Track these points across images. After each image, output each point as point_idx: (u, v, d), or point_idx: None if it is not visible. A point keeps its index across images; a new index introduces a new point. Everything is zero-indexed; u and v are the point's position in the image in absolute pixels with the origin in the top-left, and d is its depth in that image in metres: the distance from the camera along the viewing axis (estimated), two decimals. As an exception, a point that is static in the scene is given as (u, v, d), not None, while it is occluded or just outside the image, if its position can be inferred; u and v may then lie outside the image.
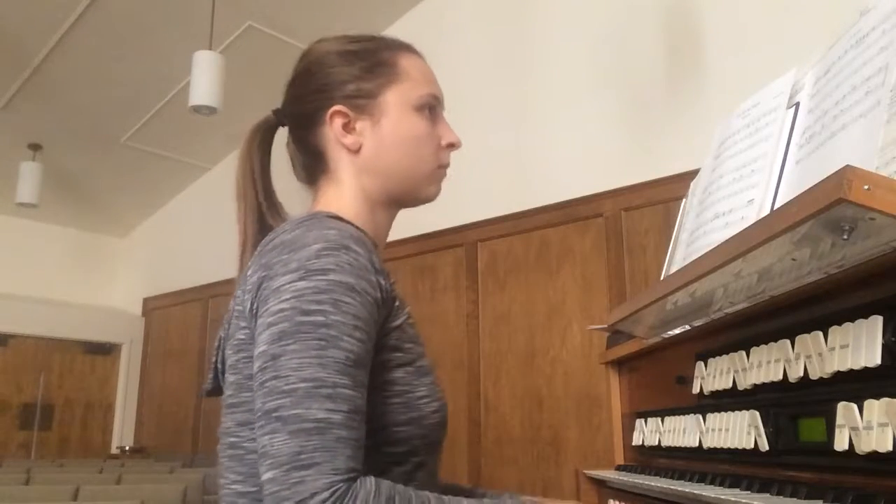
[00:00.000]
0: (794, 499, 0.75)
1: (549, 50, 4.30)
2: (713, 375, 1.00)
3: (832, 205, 0.61)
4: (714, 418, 0.99)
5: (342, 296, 0.74)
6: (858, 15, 0.89)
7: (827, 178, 0.63)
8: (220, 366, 0.90)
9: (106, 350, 7.02)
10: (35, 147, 5.97)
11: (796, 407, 0.81)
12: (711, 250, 0.89)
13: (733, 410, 0.93)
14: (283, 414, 0.69)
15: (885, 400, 0.65)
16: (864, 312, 0.70)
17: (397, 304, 0.83)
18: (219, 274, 5.83)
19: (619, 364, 1.49)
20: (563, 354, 3.91)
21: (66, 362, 6.78)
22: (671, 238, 1.34)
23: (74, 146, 6.06)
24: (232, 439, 0.81)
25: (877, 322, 0.67)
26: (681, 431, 1.10)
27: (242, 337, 0.81)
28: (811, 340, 0.77)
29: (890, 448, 0.63)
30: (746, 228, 0.80)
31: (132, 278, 7.41)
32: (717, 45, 3.56)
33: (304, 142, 0.97)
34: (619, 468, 1.38)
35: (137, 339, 7.10)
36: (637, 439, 1.31)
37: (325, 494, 0.66)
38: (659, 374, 1.29)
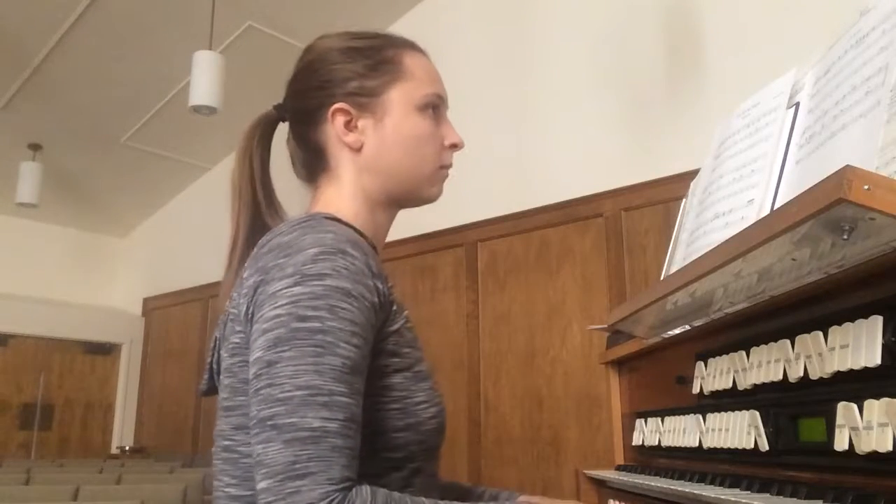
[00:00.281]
0: (794, 499, 0.75)
1: (550, 50, 4.30)
2: (713, 375, 1.00)
3: (832, 205, 0.61)
4: (714, 418, 0.99)
5: (339, 301, 0.73)
6: (858, 15, 0.89)
7: (827, 178, 0.63)
8: (215, 366, 0.89)
9: (106, 350, 7.02)
10: (35, 147, 5.97)
11: (796, 407, 0.81)
12: (711, 250, 0.89)
13: (733, 410, 0.93)
14: (279, 422, 0.68)
15: (885, 400, 0.65)
16: (864, 312, 0.70)
17: (395, 308, 0.82)
18: (219, 274, 5.68)
19: (619, 364, 1.49)
20: (563, 354, 3.91)
21: (66, 362, 6.78)
22: (671, 238, 1.34)
23: (74, 146, 6.06)
24: (226, 442, 0.81)
25: (877, 322, 0.67)
26: (681, 431, 1.10)
27: (237, 341, 0.80)
28: (811, 340, 0.77)
29: (890, 448, 0.63)
30: (746, 228, 0.80)
31: (132, 278, 7.41)
32: (717, 45, 3.56)
33: (304, 139, 0.95)
34: (619, 468, 1.38)
35: (137, 339, 7.10)
36: (637, 439, 1.31)
37: None
38: (659, 374, 1.29)
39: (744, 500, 0.74)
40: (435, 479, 0.87)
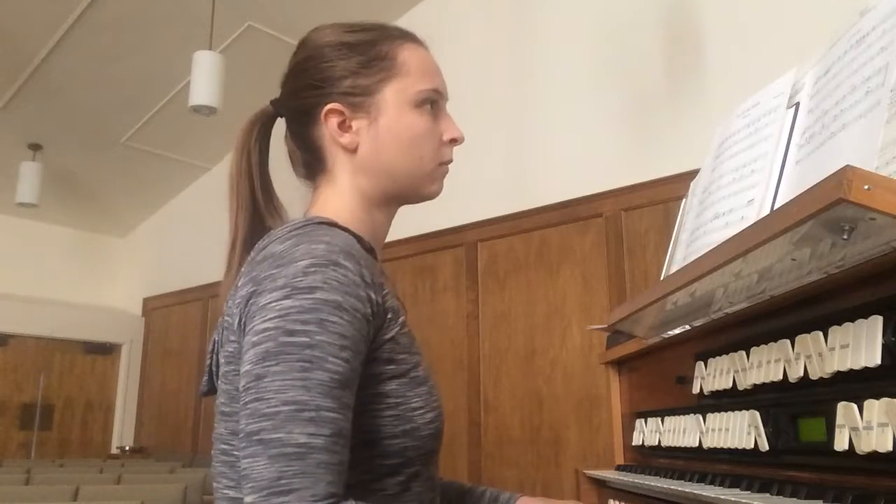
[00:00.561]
0: (794, 499, 0.75)
1: (550, 50, 4.30)
2: (713, 375, 1.00)
3: (832, 205, 0.61)
4: (714, 418, 0.99)
5: (329, 315, 0.72)
6: (858, 15, 0.89)
7: (827, 178, 0.63)
8: (214, 368, 0.89)
9: (106, 350, 7.02)
10: (35, 147, 5.97)
11: (796, 407, 0.81)
12: (711, 250, 0.89)
13: (733, 410, 0.93)
14: (265, 437, 0.68)
15: (885, 400, 0.65)
16: (864, 312, 0.70)
17: (390, 315, 0.80)
18: (219, 274, 5.76)
19: (619, 364, 1.49)
20: (563, 354, 3.91)
21: (66, 362, 6.78)
22: (671, 238, 1.34)
23: (74, 146, 6.07)
24: (224, 446, 0.81)
25: (877, 322, 0.67)
26: (681, 431, 1.10)
27: (231, 350, 0.80)
28: (811, 340, 0.77)
29: (890, 448, 0.63)
30: (746, 228, 0.80)
31: (132, 278, 7.41)
32: (717, 44, 3.57)
33: (301, 137, 0.94)
34: (619, 468, 1.38)
35: (137, 339, 7.11)
36: (637, 439, 1.31)
37: None
38: (659, 374, 1.29)
39: (744, 500, 0.74)
40: (434, 481, 0.86)
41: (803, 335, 0.79)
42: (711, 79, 3.54)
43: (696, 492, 0.86)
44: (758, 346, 0.89)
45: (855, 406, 0.68)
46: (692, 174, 1.35)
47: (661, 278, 1.25)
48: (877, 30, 0.83)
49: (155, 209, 7.34)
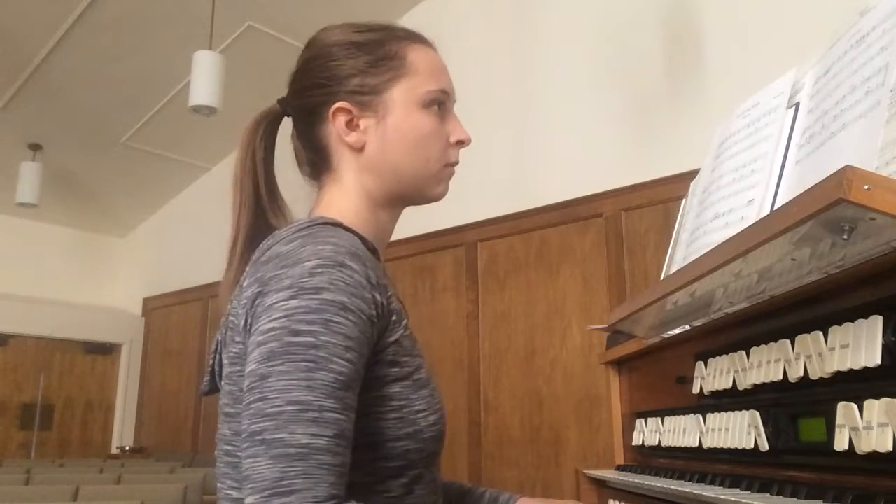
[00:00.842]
0: (794, 499, 0.75)
1: (550, 50, 4.30)
2: (713, 375, 1.00)
3: (832, 205, 0.61)
4: (714, 418, 0.99)
5: (334, 315, 0.72)
6: (858, 15, 0.89)
7: (827, 178, 0.63)
8: (217, 368, 0.88)
9: (106, 350, 7.02)
10: (35, 147, 5.97)
11: (796, 407, 0.81)
12: (711, 250, 0.89)
13: (733, 410, 0.93)
14: (267, 437, 0.68)
15: (885, 400, 0.65)
16: (864, 312, 0.70)
17: (394, 318, 0.80)
18: (219, 274, 5.78)
19: (619, 364, 1.49)
20: (563, 354, 3.91)
21: (66, 362, 6.78)
22: (671, 238, 1.34)
23: (74, 146, 6.07)
24: (227, 447, 0.81)
25: (877, 322, 0.67)
26: (681, 431, 1.10)
27: (236, 351, 0.80)
28: (811, 340, 0.77)
29: (890, 448, 0.63)
30: (746, 228, 0.80)
31: (132, 278, 7.41)
32: (717, 45, 3.57)
33: (307, 136, 0.93)
34: (619, 468, 1.38)
35: (137, 339, 7.11)
36: (637, 439, 1.31)
37: None
38: (659, 374, 1.29)
39: (744, 500, 0.74)
40: (436, 483, 0.86)
41: (803, 335, 0.79)
42: (711, 79, 3.54)
43: (696, 492, 0.86)
44: (758, 346, 0.89)
45: (855, 406, 0.68)
46: (692, 174, 1.35)
47: (661, 278, 1.25)
48: (877, 30, 0.83)
49: (155, 209, 7.34)
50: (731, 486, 0.88)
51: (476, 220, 4.38)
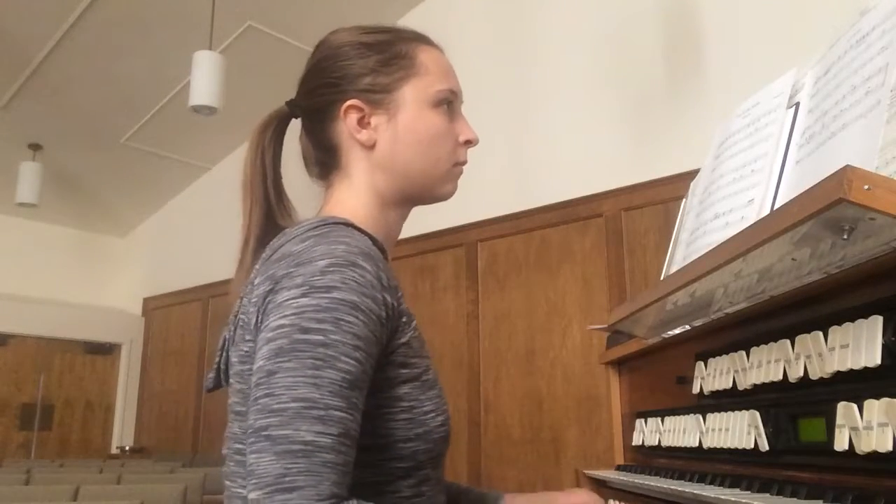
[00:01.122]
0: (794, 499, 0.75)
1: (550, 50, 4.30)
2: (713, 375, 1.00)
3: (832, 205, 0.61)
4: (714, 418, 0.99)
5: (345, 314, 0.72)
6: (858, 15, 0.89)
7: (827, 178, 0.63)
8: (222, 366, 0.89)
9: (106, 350, 7.02)
10: (35, 147, 5.97)
11: (796, 407, 0.81)
12: (711, 250, 0.89)
13: (733, 410, 0.93)
14: (272, 433, 0.68)
15: (885, 400, 0.65)
16: (864, 312, 0.70)
17: (404, 319, 0.81)
18: (219, 274, 5.82)
19: (619, 364, 1.49)
20: (563, 354, 3.91)
21: (66, 362, 6.78)
22: (671, 238, 1.34)
23: (74, 146, 6.07)
24: (238, 445, 0.81)
25: (877, 322, 0.67)
26: (681, 431, 1.10)
27: (247, 349, 0.80)
28: (811, 340, 0.77)
29: (890, 448, 0.63)
30: (746, 228, 0.80)
31: (132, 278, 7.41)
32: (717, 45, 3.57)
33: (317, 136, 0.94)
34: (619, 468, 1.38)
35: (137, 339, 7.10)
36: (637, 439, 1.31)
37: None
38: (659, 374, 1.29)
39: (744, 500, 0.74)
40: (441, 485, 0.87)
41: (803, 335, 0.79)
42: (711, 79, 3.54)
43: (696, 492, 0.86)
44: (758, 346, 0.89)
45: (855, 406, 0.68)
46: (692, 174, 1.35)
47: (661, 278, 1.25)
48: (877, 30, 0.83)
49: (155, 209, 7.34)
50: (731, 486, 0.88)
51: (476, 220, 4.38)
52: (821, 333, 0.76)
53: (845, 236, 0.64)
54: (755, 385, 0.88)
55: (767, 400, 0.87)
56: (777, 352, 0.84)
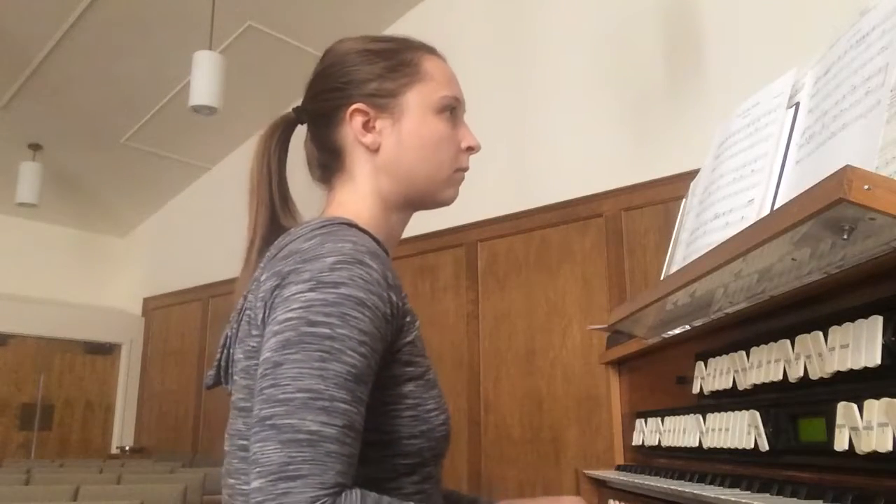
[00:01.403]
0: (794, 499, 0.75)
1: (550, 50, 4.30)
2: (713, 375, 1.00)
3: (832, 205, 0.61)
4: (714, 418, 0.99)
5: (351, 310, 0.74)
6: (858, 15, 0.89)
7: (827, 178, 0.63)
8: (223, 364, 0.90)
9: (106, 350, 7.02)
10: (35, 147, 5.97)
11: (796, 407, 0.81)
12: (711, 250, 0.89)
13: (733, 410, 0.93)
14: (277, 422, 0.69)
15: (885, 400, 0.65)
16: (864, 312, 0.70)
17: (408, 318, 0.82)
18: (219, 274, 5.83)
19: (619, 364, 1.49)
20: (563, 354, 3.91)
21: (66, 362, 6.78)
22: (671, 238, 1.35)
23: (74, 146, 6.06)
24: (242, 442, 0.81)
25: (877, 322, 0.67)
26: (681, 431, 1.10)
27: (254, 344, 0.81)
28: (811, 340, 0.77)
29: (890, 448, 0.63)
30: (746, 228, 0.80)
31: (132, 278, 7.41)
32: (717, 45, 3.57)
33: (322, 140, 0.96)
34: (619, 468, 1.38)
35: (137, 339, 7.10)
36: (637, 439, 1.31)
37: None
38: (659, 374, 1.29)
39: (744, 500, 0.74)
40: (441, 483, 0.88)
41: (803, 335, 0.79)
42: (711, 79, 3.54)
43: (696, 492, 0.86)
44: (758, 346, 0.89)
45: (855, 406, 0.68)
46: (692, 174, 1.35)
47: (661, 278, 1.25)
48: (877, 30, 0.83)
49: (155, 209, 7.34)
50: (731, 486, 0.88)
51: (476, 220, 4.38)
52: (821, 333, 0.76)
53: (845, 236, 0.64)
54: (755, 385, 0.88)
55: (767, 400, 0.87)
56: (777, 352, 0.84)
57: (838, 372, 0.72)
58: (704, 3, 3.65)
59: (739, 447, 0.90)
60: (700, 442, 1.03)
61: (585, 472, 1.43)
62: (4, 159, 5.88)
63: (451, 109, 0.95)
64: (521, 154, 4.32)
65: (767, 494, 0.80)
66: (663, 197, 3.54)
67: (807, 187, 0.67)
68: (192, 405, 6.31)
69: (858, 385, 0.70)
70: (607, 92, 3.97)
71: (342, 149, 0.94)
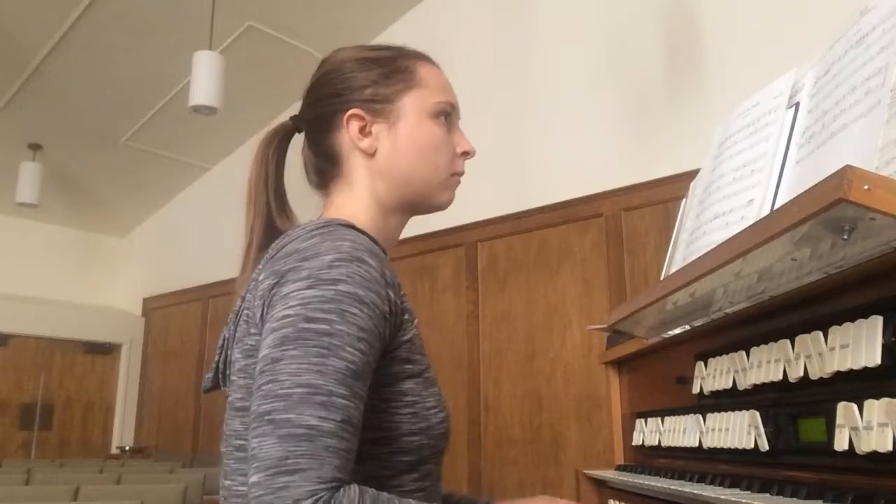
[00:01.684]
0: (794, 499, 0.75)
1: (550, 50, 4.30)
2: (713, 375, 1.00)
3: (832, 205, 0.61)
4: (714, 418, 0.99)
5: (349, 306, 0.74)
6: (858, 15, 0.89)
7: (827, 178, 0.63)
8: (221, 365, 0.90)
9: (106, 350, 7.02)
10: (35, 147, 5.97)
11: (796, 407, 0.81)
12: (711, 250, 0.89)
13: (733, 410, 0.93)
14: (276, 417, 0.69)
15: (885, 400, 0.65)
16: (864, 312, 0.70)
17: (406, 317, 0.83)
18: (219, 274, 5.83)
19: (619, 364, 1.49)
20: (563, 354, 3.91)
21: (66, 362, 6.78)
22: (671, 238, 1.35)
23: (74, 146, 6.06)
24: (239, 442, 0.82)
25: (877, 322, 0.67)
26: (681, 431, 1.10)
27: (252, 343, 0.81)
28: (811, 340, 0.77)
29: (890, 448, 0.63)
30: (746, 228, 0.80)
31: (132, 278, 7.41)
32: (717, 45, 3.57)
33: (319, 145, 0.97)
34: (619, 468, 1.38)
35: (137, 339, 7.10)
36: (637, 439, 1.31)
37: (308, 503, 0.66)
38: (659, 374, 1.29)
39: (744, 500, 0.74)
40: (440, 481, 0.89)
41: (803, 335, 0.79)
42: (711, 79, 3.54)
43: (696, 492, 0.86)
44: (758, 346, 0.89)
45: (855, 406, 0.68)
46: (692, 174, 1.35)
47: (661, 278, 1.25)
48: (877, 30, 0.83)
49: (155, 209, 7.34)
50: (731, 486, 0.88)
51: (476, 220, 4.38)
52: (821, 333, 0.76)
53: (845, 236, 0.64)
54: (755, 385, 0.88)
55: (767, 400, 0.87)
56: (777, 352, 0.84)
57: (838, 372, 0.72)
58: (704, 3, 3.65)
59: (739, 447, 0.90)
60: (700, 442, 1.03)
61: (585, 472, 1.43)
62: (4, 159, 5.88)
63: (446, 115, 0.97)
64: (521, 154, 4.32)
65: (767, 494, 0.80)
66: (663, 197, 3.54)
67: (807, 187, 0.67)
68: (192, 405, 6.31)
69: (858, 385, 0.70)
70: (607, 92, 3.97)
71: (339, 154, 0.95)
